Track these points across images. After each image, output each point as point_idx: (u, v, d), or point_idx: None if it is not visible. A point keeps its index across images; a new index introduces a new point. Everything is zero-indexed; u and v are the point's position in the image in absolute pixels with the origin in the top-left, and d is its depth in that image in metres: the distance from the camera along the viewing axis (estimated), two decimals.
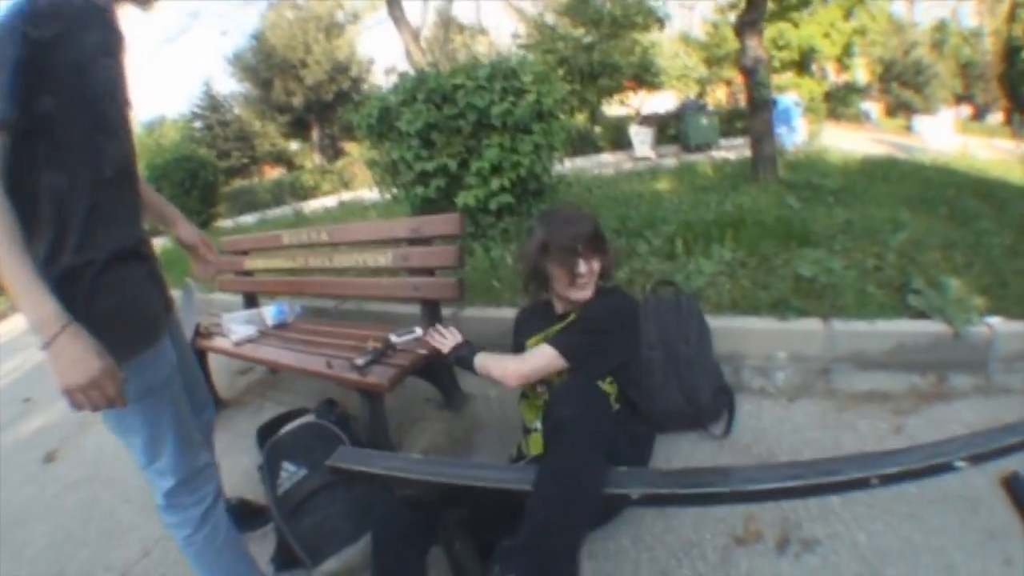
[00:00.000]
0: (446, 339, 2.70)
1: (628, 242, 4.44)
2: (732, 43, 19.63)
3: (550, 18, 22.91)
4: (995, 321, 3.28)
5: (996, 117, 34.32)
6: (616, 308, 2.41)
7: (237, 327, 3.64)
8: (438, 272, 3.24)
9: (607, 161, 17.26)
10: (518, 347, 2.59)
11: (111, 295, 1.63)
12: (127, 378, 1.55)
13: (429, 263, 3.19)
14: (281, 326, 3.81)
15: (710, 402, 2.83)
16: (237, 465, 3.16)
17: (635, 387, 2.43)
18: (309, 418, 2.74)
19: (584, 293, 2.37)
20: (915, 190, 6.76)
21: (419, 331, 3.03)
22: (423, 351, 2.84)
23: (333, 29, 33.29)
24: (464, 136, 4.70)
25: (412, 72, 5.19)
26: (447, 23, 26.07)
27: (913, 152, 13.29)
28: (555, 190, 5.53)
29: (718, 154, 14.16)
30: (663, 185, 8.44)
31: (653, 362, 2.80)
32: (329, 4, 32.75)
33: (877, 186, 7.06)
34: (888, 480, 1.42)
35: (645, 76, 23.01)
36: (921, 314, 3.32)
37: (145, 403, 1.73)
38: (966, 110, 36.54)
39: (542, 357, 2.28)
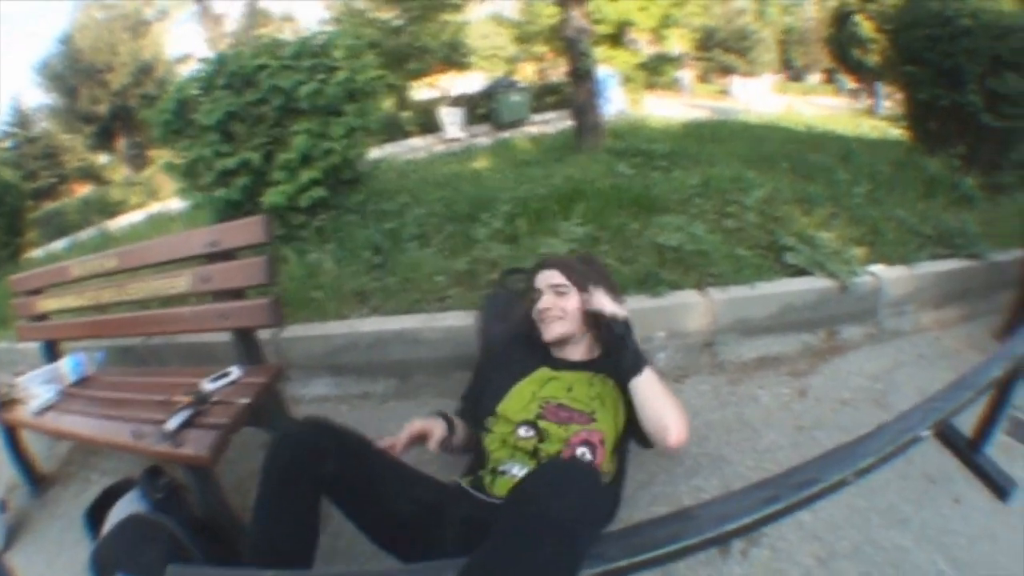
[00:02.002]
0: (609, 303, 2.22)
1: (461, 228, 4.35)
2: (546, 19, 20.75)
3: (359, 2, 22.86)
4: (878, 269, 3.59)
5: (814, 78, 38.00)
6: None
7: (36, 389, 3.20)
8: (248, 292, 2.88)
9: (418, 145, 17.63)
10: (488, 372, 2.46)
11: None
12: None
13: (235, 282, 2.80)
14: (83, 382, 3.37)
15: None
16: (77, 560, 2.75)
17: None
18: (132, 502, 2.46)
19: (550, 330, 2.32)
20: (749, 149, 7.21)
21: (236, 372, 2.68)
22: (245, 400, 2.49)
23: (140, 27, 31.47)
24: (268, 124, 4.41)
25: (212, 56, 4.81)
26: (254, 12, 25.51)
27: (734, 114, 14.18)
28: (371, 178, 5.38)
29: (531, 129, 15.01)
30: (482, 163, 8.61)
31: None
32: (137, 1, 30.96)
33: (708, 147, 7.44)
34: (863, 472, 1.44)
35: (454, 57, 23.69)
36: (801, 271, 3.51)
37: None
38: (786, 75, 40.13)
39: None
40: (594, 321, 2.27)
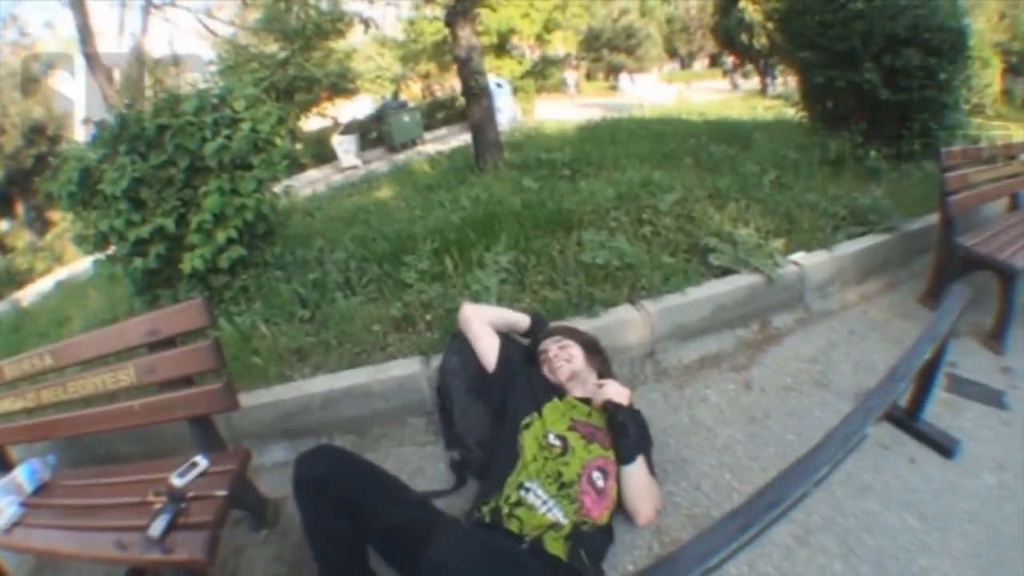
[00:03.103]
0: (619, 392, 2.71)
1: (385, 271, 4.39)
2: (430, 36, 21.13)
3: (243, 38, 22.56)
4: (799, 257, 3.90)
5: (701, 63, 39.24)
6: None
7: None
8: (197, 378, 2.83)
9: (314, 177, 17.86)
10: (510, 381, 2.86)
11: None
12: None
13: (182, 370, 2.75)
14: (42, 490, 3.25)
15: None
16: None
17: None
18: None
19: (561, 370, 2.82)
20: (650, 147, 7.49)
21: (202, 462, 2.65)
22: (223, 492, 2.48)
23: (29, 85, 30.11)
24: (177, 187, 4.34)
25: (110, 118, 4.65)
26: (140, 58, 24.67)
27: (627, 109, 14.48)
28: (285, 226, 5.40)
29: (425, 148, 15.43)
30: (385, 192, 8.68)
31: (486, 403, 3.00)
32: (25, 56, 29.62)
33: (609, 150, 7.67)
34: (821, 481, 1.62)
35: (342, 84, 23.71)
36: (727, 271, 3.77)
37: None
38: (674, 65, 41.35)
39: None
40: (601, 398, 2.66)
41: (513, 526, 2.17)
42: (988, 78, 12.54)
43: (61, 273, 18.17)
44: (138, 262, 4.33)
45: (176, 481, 2.54)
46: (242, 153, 4.39)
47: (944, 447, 2.68)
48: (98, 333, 3.08)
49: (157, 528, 2.27)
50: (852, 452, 1.69)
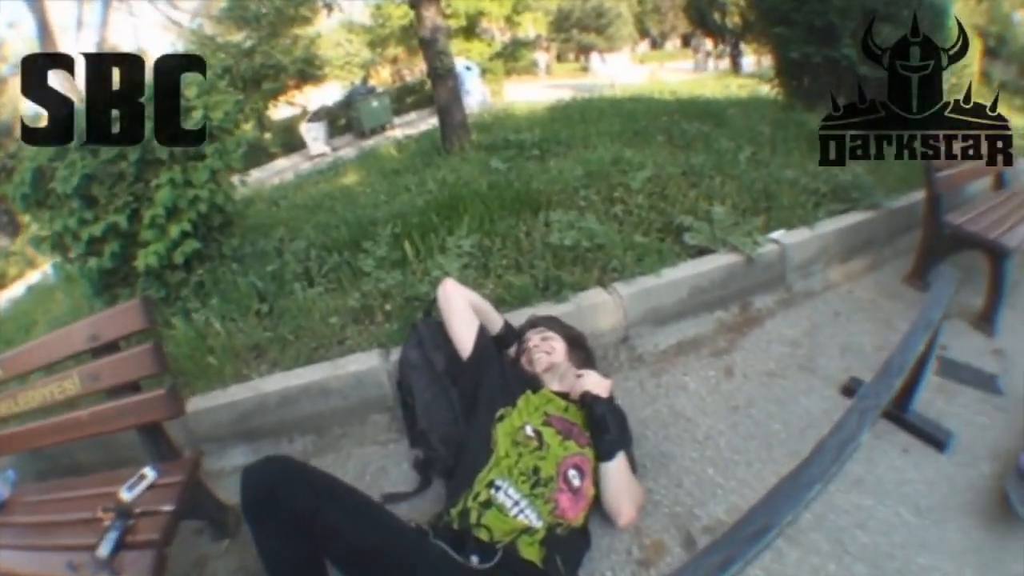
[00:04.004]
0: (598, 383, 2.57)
1: (344, 259, 4.23)
2: (397, 20, 21.18)
3: (208, 28, 22.47)
4: (780, 235, 3.76)
5: (673, 44, 39.50)
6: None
7: None
8: (146, 384, 2.70)
9: (283, 166, 17.71)
10: (484, 369, 2.72)
11: None
12: None
13: (126, 376, 2.63)
14: (3, 508, 3.12)
15: None
16: None
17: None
18: None
19: (539, 361, 2.75)
20: (621, 126, 7.33)
21: (151, 473, 2.50)
22: (169, 507, 2.35)
23: None
24: (129, 182, 4.17)
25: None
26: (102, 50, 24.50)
27: (598, 90, 14.43)
28: (244, 216, 5.20)
29: (394, 133, 15.27)
30: (351, 178, 8.53)
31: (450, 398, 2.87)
32: None
33: (579, 129, 7.53)
34: (812, 501, 1.46)
35: (309, 71, 23.86)
36: (703, 250, 3.62)
37: None
38: (645, 45, 41.68)
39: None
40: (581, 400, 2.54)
41: (483, 535, 2.03)
42: (967, 59, 12.55)
43: (33, 277, 18.00)
44: (93, 262, 4.18)
45: (124, 495, 2.42)
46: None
47: (937, 440, 2.57)
48: (43, 340, 2.96)
49: (105, 548, 2.20)
50: (847, 462, 1.54)
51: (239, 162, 4.64)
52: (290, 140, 21.22)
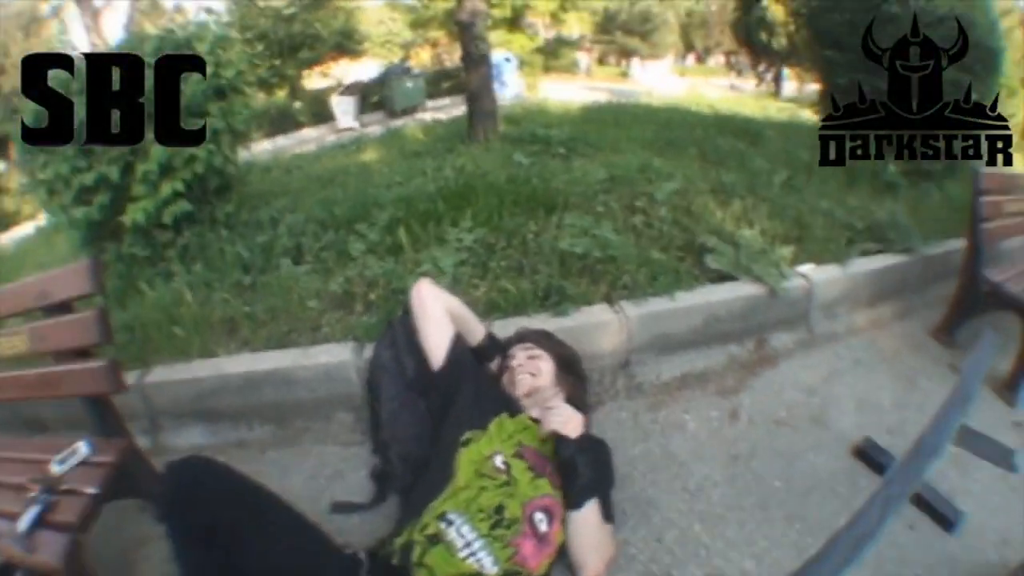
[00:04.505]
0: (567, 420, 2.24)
1: (339, 237, 4.02)
2: (441, 3, 21.74)
3: None
4: (808, 269, 3.49)
5: (717, 60, 39.86)
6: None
7: None
8: (93, 351, 2.50)
9: (309, 136, 17.67)
10: (458, 385, 2.46)
11: None
12: None
13: (75, 341, 2.47)
14: None
15: None
16: None
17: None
18: None
19: (521, 383, 2.50)
20: (654, 134, 7.17)
21: (84, 448, 2.36)
22: (92, 490, 2.22)
23: (33, 26, 30.27)
24: None
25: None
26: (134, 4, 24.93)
27: (636, 96, 14.35)
28: (244, 183, 5.03)
29: (424, 116, 14.97)
30: (371, 155, 8.39)
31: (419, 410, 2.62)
32: None
33: (610, 132, 7.39)
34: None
35: (347, 45, 24.34)
36: (724, 276, 3.36)
37: None
38: (691, 59, 42.27)
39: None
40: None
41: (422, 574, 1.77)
42: (1013, 107, 12.36)
43: (43, 218, 18.27)
44: (80, 211, 4.08)
45: (55, 468, 2.33)
46: (196, 99, 4.07)
47: (947, 519, 2.32)
48: None
49: (24, 523, 2.12)
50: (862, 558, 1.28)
51: (244, 124, 4.49)
52: (320, 111, 21.33)
